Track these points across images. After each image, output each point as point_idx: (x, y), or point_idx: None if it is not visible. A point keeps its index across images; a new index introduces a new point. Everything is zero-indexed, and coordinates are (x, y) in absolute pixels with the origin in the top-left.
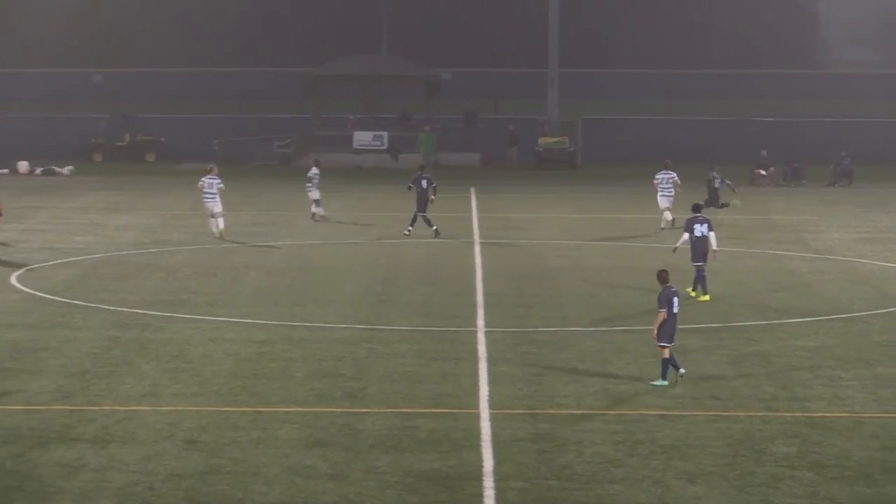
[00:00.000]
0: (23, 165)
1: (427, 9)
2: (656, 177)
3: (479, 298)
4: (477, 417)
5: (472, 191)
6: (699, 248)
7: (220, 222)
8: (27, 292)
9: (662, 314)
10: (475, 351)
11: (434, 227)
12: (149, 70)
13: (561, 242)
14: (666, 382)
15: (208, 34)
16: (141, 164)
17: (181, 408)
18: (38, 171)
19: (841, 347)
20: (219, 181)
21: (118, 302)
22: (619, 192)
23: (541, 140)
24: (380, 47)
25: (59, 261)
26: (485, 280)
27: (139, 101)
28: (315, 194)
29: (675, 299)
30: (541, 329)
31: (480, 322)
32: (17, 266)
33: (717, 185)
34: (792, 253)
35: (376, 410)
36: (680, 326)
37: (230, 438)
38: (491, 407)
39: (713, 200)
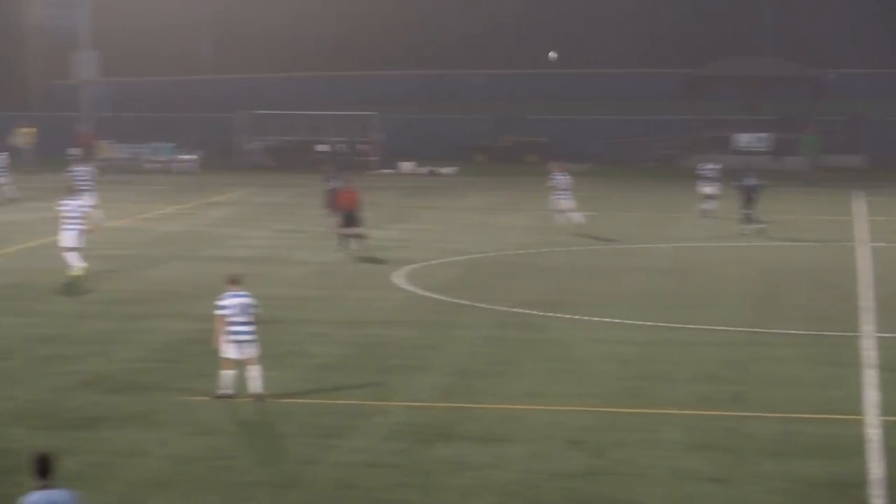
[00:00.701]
0: (406, 166)
1: (810, 8)
2: None
3: (867, 303)
4: (865, 424)
5: (859, 193)
6: None
7: (574, 217)
8: (411, 291)
9: None
10: (862, 356)
11: (758, 224)
12: (531, 72)
13: None
14: None
15: (589, 35)
16: (522, 164)
17: (564, 408)
18: (422, 171)
19: None
20: (566, 177)
21: (500, 301)
22: None
23: None
24: (763, 47)
25: (442, 260)
26: (872, 284)
27: (521, 103)
28: (709, 189)
29: None
30: None
31: (868, 327)
32: (402, 265)
33: None
34: None
35: (760, 414)
36: None
37: (613, 439)
38: (881, 414)
39: None
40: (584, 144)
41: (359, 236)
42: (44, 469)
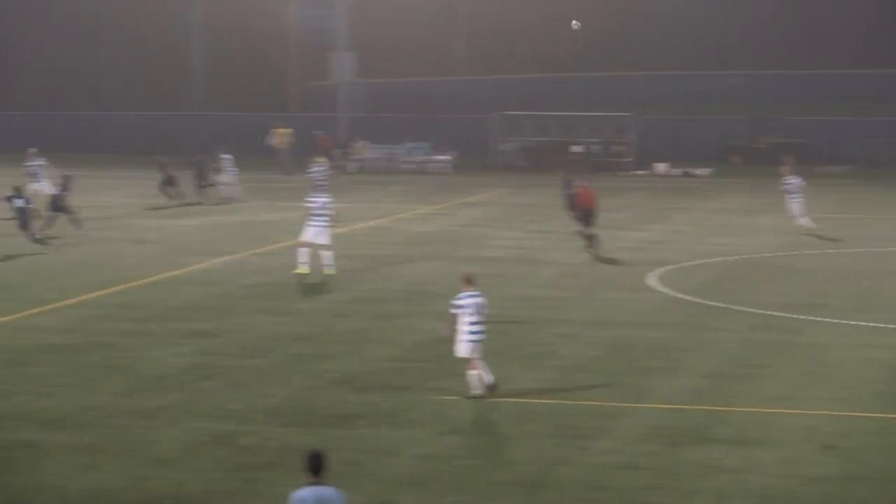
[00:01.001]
0: (661, 167)
1: None
2: None
3: None
4: None
5: None
6: None
7: (804, 221)
8: (665, 293)
9: None
10: None
11: None
12: (788, 72)
13: None
14: None
15: (845, 34)
16: (778, 166)
17: (819, 412)
18: (676, 172)
19: None
20: (799, 180)
21: (754, 304)
22: None
23: None
24: None
25: (696, 262)
26: None
27: (778, 104)
28: None
29: None
30: None
31: None
32: (655, 266)
33: None
34: None
35: None
36: None
37: (869, 445)
38: None
39: None
40: (842, 145)
41: (591, 236)
42: (316, 466)
